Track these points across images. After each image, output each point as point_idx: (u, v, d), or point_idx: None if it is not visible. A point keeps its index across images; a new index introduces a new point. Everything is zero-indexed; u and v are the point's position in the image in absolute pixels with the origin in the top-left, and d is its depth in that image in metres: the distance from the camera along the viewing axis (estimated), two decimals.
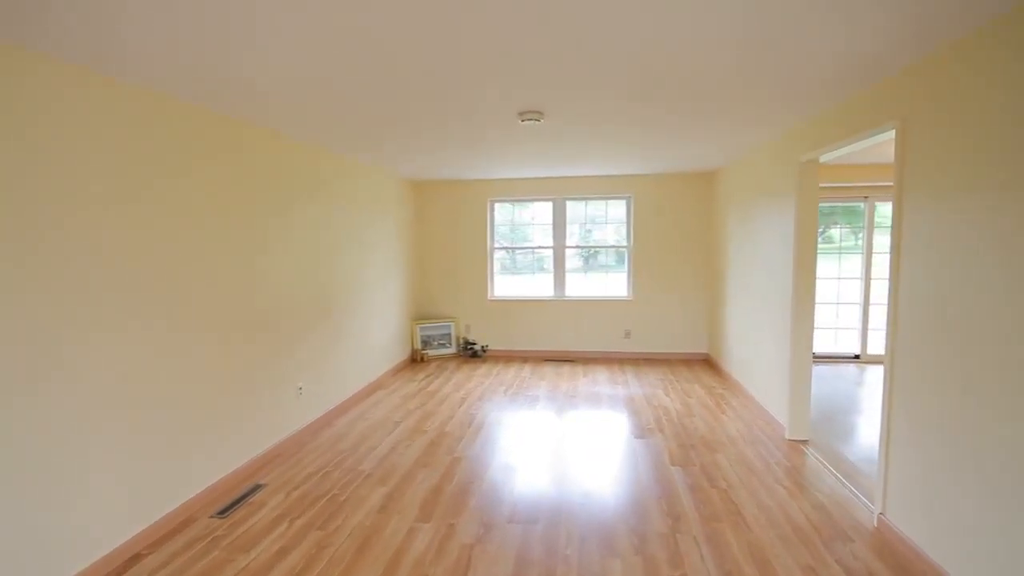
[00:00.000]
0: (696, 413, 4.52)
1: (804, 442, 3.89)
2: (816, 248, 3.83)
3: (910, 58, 2.42)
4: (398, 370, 6.10)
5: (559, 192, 6.63)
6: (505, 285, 7.05)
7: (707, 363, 6.37)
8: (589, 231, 6.87)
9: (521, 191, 6.68)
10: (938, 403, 2.32)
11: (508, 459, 3.61)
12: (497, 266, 7.01)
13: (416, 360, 6.60)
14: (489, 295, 6.89)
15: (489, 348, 6.88)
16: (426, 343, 6.77)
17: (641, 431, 4.11)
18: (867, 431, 4.05)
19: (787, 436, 3.95)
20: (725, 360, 5.74)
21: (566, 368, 6.19)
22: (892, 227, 2.65)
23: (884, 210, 6.19)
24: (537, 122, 3.32)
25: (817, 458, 3.57)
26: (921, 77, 2.44)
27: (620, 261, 6.81)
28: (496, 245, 6.97)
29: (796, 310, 3.86)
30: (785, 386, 4.02)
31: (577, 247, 6.86)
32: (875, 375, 5.71)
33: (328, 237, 4.47)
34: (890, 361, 2.67)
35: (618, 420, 4.37)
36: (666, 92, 2.88)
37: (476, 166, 5.52)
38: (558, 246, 6.78)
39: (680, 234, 6.51)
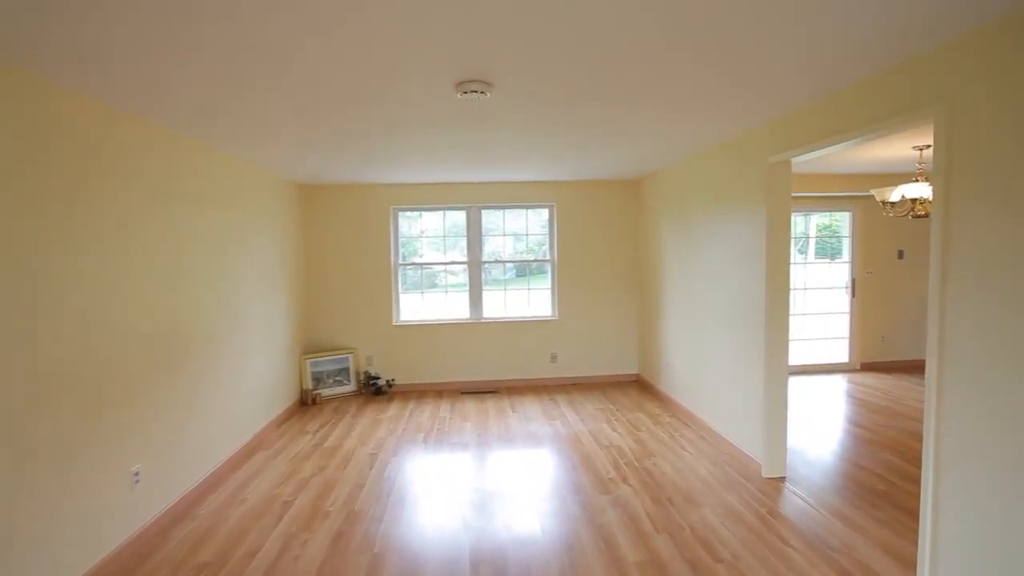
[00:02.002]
0: (655, 451, 3.91)
1: (782, 479, 3.42)
2: (789, 261, 3.40)
3: (956, 29, 1.97)
4: (284, 419, 4.85)
5: (473, 199, 5.83)
6: (413, 307, 6.07)
7: (640, 385, 5.88)
8: (508, 244, 6.14)
9: (430, 198, 5.78)
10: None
11: (451, 550, 2.68)
12: (403, 285, 6.01)
13: (307, 403, 5.37)
14: (394, 319, 5.87)
15: (396, 383, 5.83)
16: (319, 381, 5.56)
17: (603, 484, 3.38)
18: (819, 450, 3.69)
19: (764, 474, 3.45)
20: (662, 382, 5.26)
21: (490, 402, 5.35)
22: (933, 245, 2.19)
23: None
24: (483, 95, 2.49)
25: (808, 503, 3.08)
26: (974, 49, 1.98)
27: (543, 277, 6.15)
28: (401, 261, 5.98)
29: (770, 329, 3.39)
30: (755, 415, 3.54)
31: (495, 262, 6.09)
32: (797, 385, 5.57)
33: (185, 256, 3.25)
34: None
35: (573, 471, 3.62)
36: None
37: (377, 165, 4.54)
38: (473, 261, 5.96)
39: (607, 247, 6.00)
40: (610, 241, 5.99)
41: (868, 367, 6.43)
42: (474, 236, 5.94)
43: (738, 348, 3.77)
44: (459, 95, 2.49)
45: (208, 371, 3.55)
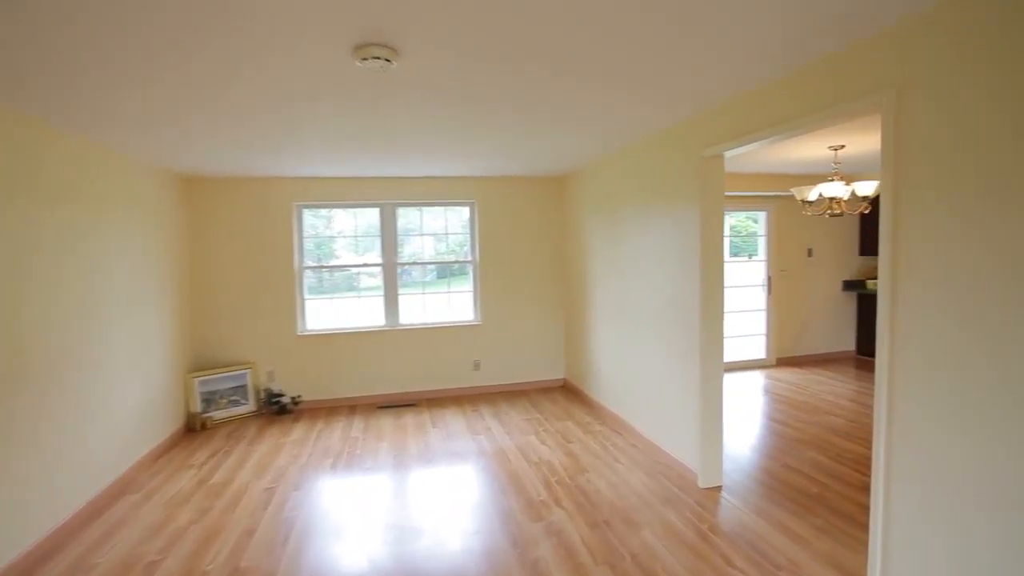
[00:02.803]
0: (587, 466, 3.65)
1: (718, 489, 3.26)
2: (723, 259, 3.25)
3: (904, 11, 1.82)
4: (164, 451, 4.13)
5: (387, 196, 5.34)
6: (322, 314, 5.47)
7: (567, 390, 5.66)
8: (427, 244, 5.70)
9: (339, 194, 5.22)
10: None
11: None
12: (310, 291, 5.40)
13: (195, 429, 4.64)
14: (299, 329, 5.25)
15: (303, 400, 5.22)
16: (210, 402, 4.84)
17: (535, 509, 3.06)
18: (749, 452, 3.61)
19: (700, 484, 3.29)
20: (590, 387, 5.06)
21: (409, 417, 4.89)
22: (882, 240, 2.04)
23: None
24: (388, 64, 2.08)
25: (747, 514, 2.93)
26: (923, 32, 1.84)
27: (464, 279, 5.76)
28: (306, 264, 5.37)
29: (704, 330, 3.23)
30: (690, 422, 3.37)
31: (412, 264, 5.63)
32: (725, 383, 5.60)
33: (26, 259, 2.55)
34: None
35: (501, 494, 3.27)
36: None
37: (273, 154, 3.97)
38: (389, 263, 5.47)
39: (532, 247, 5.72)
40: (534, 241, 5.72)
41: (784, 362, 6.61)
42: (389, 236, 5.45)
43: (670, 351, 3.59)
44: (358, 63, 2.06)
45: (55, 397, 2.86)
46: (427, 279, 5.79)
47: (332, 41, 1.94)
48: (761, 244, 6.54)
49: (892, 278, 2.00)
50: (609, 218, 4.51)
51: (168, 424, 4.32)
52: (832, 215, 4.41)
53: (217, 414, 4.84)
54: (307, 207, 5.31)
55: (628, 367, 4.25)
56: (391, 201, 5.37)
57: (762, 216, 6.46)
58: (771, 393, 5.34)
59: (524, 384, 5.77)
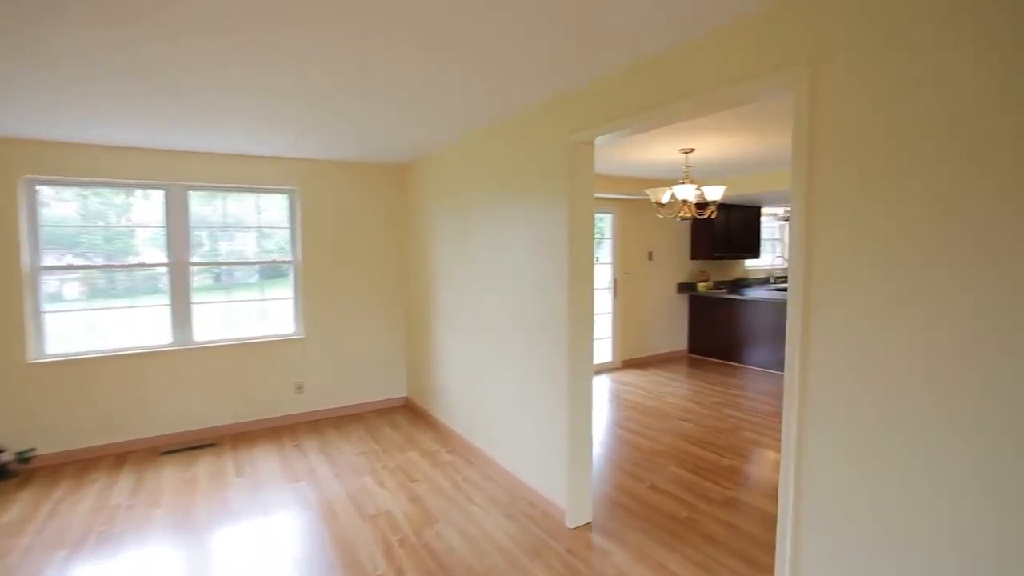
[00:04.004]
0: (437, 512, 3.00)
1: (588, 526, 2.85)
2: (593, 259, 2.84)
3: None
4: None
5: (176, 175, 4.10)
6: (72, 331, 4.01)
7: (410, 411, 4.94)
8: (234, 240, 4.53)
9: (100, 167, 3.85)
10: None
11: None
12: (52, 300, 3.91)
13: None
14: (30, 354, 3.77)
15: (36, 454, 3.74)
16: None
17: None
18: (610, 471, 3.32)
19: (569, 523, 2.84)
20: (437, 407, 4.41)
21: (204, 463, 3.76)
22: (794, 240, 1.72)
23: None
24: None
25: (626, 558, 2.54)
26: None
27: (283, 283, 4.72)
28: (46, 262, 3.88)
29: (573, 343, 2.78)
30: (555, 449, 2.91)
31: (212, 264, 4.43)
32: None
33: None
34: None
35: (328, 570, 2.46)
36: None
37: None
38: (177, 263, 4.22)
39: (367, 246, 4.89)
40: (372, 238, 4.90)
41: (628, 364, 6.66)
42: (178, 228, 4.20)
43: (532, 366, 3.10)
44: None
45: None
46: (235, 282, 4.62)
47: None
48: (607, 247, 6.50)
49: (804, 290, 1.68)
50: (461, 213, 3.91)
51: None
52: (683, 219, 4.35)
53: None
54: (46, 183, 3.83)
55: (482, 385, 3.69)
56: (180, 183, 4.14)
57: (608, 218, 6.42)
58: (621, 399, 5.23)
59: (359, 406, 4.91)
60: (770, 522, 2.83)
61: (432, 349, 4.50)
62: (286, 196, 4.62)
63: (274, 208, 4.63)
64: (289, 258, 4.66)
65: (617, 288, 6.51)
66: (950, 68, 1.33)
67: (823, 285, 1.63)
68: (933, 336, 1.39)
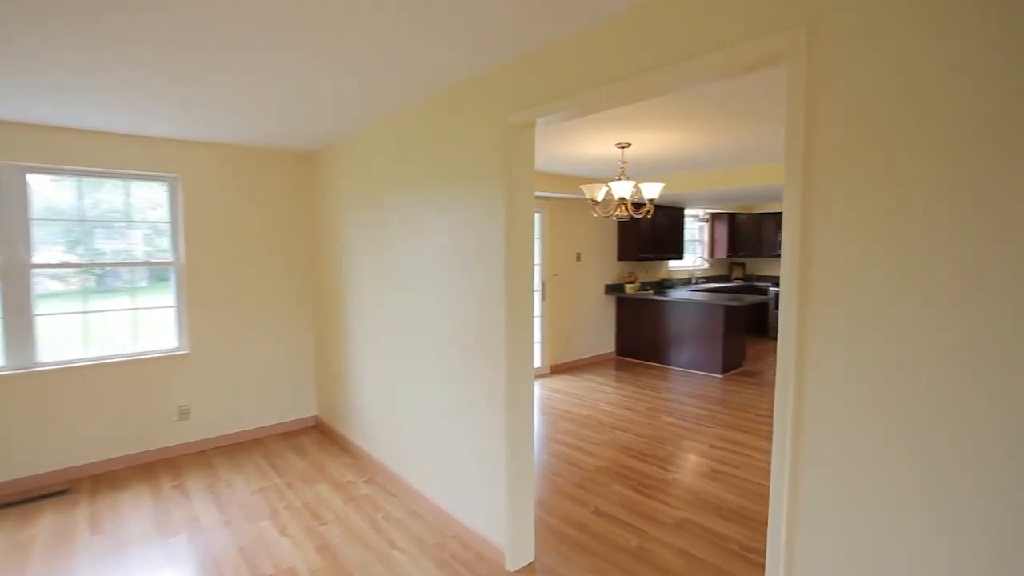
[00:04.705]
0: (353, 566, 2.50)
1: (531, 567, 2.48)
2: (532, 260, 2.47)
3: None
4: None
5: (7, 152, 3.26)
6: None
7: (321, 433, 4.34)
8: (95, 235, 3.71)
9: None
10: None
11: None
12: None
13: None
14: None
15: None
16: None
17: None
18: (550, 496, 3.00)
19: (509, 566, 2.45)
20: (352, 428, 3.87)
21: (47, 519, 2.99)
22: (787, 234, 1.43)
23: None
24: None
25: None
26: None
27: (162, 289, 3.96)
28: None
29: (511, 356, 2.40)
30: (491, 479, 2.52)
31: (64, 266, 3.60)
32: None
33: None
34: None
35: None
36: None
37: None
38: (14, 263, 3.37)
39: (269, 244, 4.23)
40: (274, 236, 4.25)
41: (557, 369, 6.41)
42: (12, 219, 3.35)
43: (465, 383, 2.69)
44: None
45: None
46: (97, 288, 3.80)
47: None
48: (536, 248, 6.20)
49: (799, 290, 1.40)
50: (380, 208, 3.41)
51: None
52: (619, 218, 4.11)
53: None
54: None
55: (406, 404, 3.22)
56: (13, 162, 3.30)
57: (537, 218, 6.13)
58: (555, 409, 4.93)
59: (259, 431, 4.24)
60: (729, 550, 2.60)
61: (347, 362, 3.95)
62: (165, 184, 3.87)
63: (151, 198, 3.86)
64: (170, 259, 3.91)
65: (545, 291, 6.23)
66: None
67: (825, 293, 1.36)
68: (970, 360, 1.14)
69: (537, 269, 6.19)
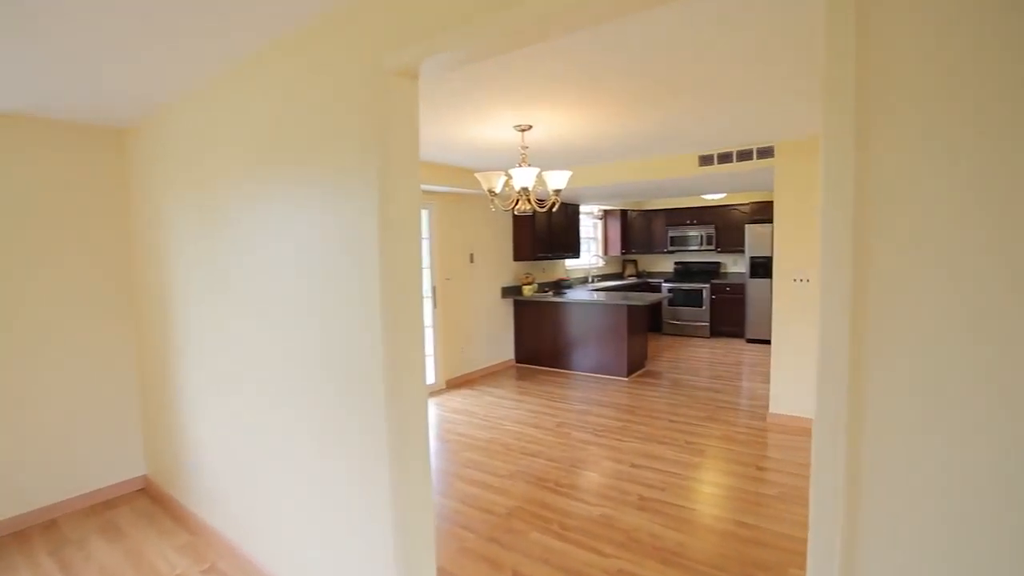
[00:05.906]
0: None
1: None
2: (421, 264, 1.80)
3: None
4: None
5: None
6: None
7: (150, 498, 3.30)
8: None
9: None
10: None
11: None
12: None
13: None
14: None
15: None
16: None
17: None
18: (457, 562, 2.39)
19: None
20: (187, 490, 2.92)
21: None
22: (827, 244, 0.93)
23: None
24: None
25: None
26: None
27: None
28: None
29: (395, 393, 1.72)
30: (373, 554, 1.82)
31: None
32: None
33: None
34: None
35: None
36: None
37: None
38: None
39: (70, 247, 3.11)
40: (73, 238, 3.13)
41: (453, 384, 5.76)
42: None
43: (333, 429, 1.95)
44: None
45: None
46: None
47: None
48: (425, 248, 5.50)
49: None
50: (211, 198, 2.53)
51: None
52: (520, 213, 3.58)
53: None
54: None
55: (264, 462, 2.38)
56: None
57: (425, 214, 5.43)
58: (453, 434, 4.28)
59: (52, 509, 3.10)
60: None
61: (184, 400, 2.98)
62: None
63: None
64: None
65: (436, 297, 5.56)
66: None
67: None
68: None
69: (426, 273, 5.49)
